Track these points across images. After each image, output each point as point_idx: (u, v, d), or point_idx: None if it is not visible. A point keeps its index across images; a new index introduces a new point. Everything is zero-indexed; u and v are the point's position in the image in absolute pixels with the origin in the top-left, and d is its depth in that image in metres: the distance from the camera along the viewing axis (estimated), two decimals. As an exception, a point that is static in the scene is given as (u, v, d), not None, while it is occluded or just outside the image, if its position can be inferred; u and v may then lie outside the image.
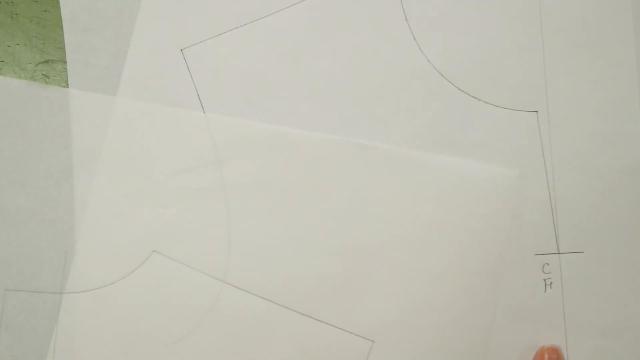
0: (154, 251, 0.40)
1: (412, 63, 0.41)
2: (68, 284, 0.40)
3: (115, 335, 0.40)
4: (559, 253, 0.41)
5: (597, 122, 0.41)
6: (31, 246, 0.40)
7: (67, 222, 0.40)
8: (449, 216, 0.40)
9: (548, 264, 0.41)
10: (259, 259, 0.40)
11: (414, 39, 0.41)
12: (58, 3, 0.41)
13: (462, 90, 0.41)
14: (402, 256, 0.40)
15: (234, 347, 0.40)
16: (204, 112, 0.41)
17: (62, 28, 0.41)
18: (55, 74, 0.41)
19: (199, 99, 0.41)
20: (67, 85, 0.41)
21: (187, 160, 0.41)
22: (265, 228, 0.40)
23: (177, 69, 0.41)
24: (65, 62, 0.41)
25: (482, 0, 0.41)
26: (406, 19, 0.41)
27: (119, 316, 0.40)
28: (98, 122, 0.40)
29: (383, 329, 0.40)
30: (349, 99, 0.41)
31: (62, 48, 0.41)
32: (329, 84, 0.41)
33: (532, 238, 0.41)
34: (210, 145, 0.41)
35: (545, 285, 0.41)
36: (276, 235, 0.40)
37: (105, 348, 0.40)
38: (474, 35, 0.41)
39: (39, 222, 0.40)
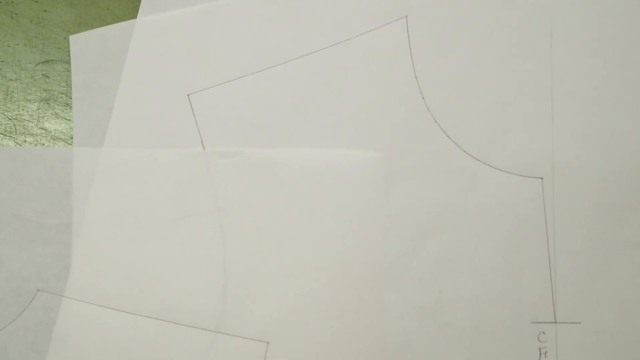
0: (38, 290, 0.40)
1: (418, 122, 0.41)
2: None
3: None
4: (556, 322, 0.40)
5: (603, 193, 0.41)
6: None
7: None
8: (324, 208, 0.40)
9: (544, 332, 0.40)
10: (142, 281, 0.40)
11: (423, 98, 0.41)
12: (58, 3, 0.42)
13: (468, 153, 0.41)
14: (284, 255, 0.40)
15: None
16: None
17: (62, 28, 0.42)
18: (55, 74, 0.41)
19: (202, 145, 0.40)
20: (71, 120, 0.41)
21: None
22: (149, 248, 0.40)
23: (182, 114, 0.41)
24: (65, 62, 0.41)
25: (493, 63, 0.41)
26: (416, 77, 0.41)
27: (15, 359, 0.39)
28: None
29: (276, 329, 0.40)
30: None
31: (62, 48, 0.41)
32: (335, 137, 0.41)
33: (529, 305, 0.40)
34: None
35: (540, 354, 0.40)
36: (157, 253, 0.40)
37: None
38: (483, 98, 0.41)
39: None
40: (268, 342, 0.40)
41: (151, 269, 0.40)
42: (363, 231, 0.40)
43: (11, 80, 0.42)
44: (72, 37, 0.41)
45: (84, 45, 0.41)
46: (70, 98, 0.41)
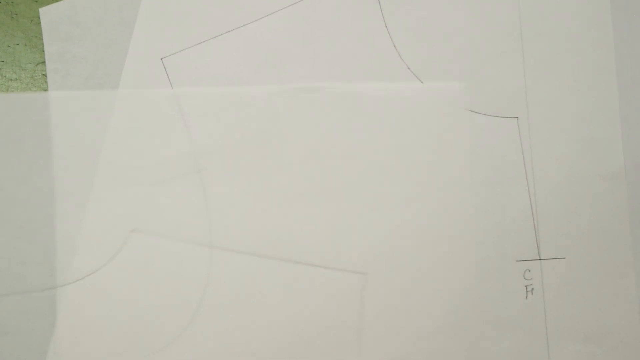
0: (133, 230, 0.40)
1: (392, 70, 0.41)
2: (57, 279, 0.40)
3: (116, 321, 0.39)
4: (540, 259, 0.41)
5: (577, 127, 0.41)
6: (11, 247, 0.40)
7: (44, 216, 0.40)
8: (410, 138, 0.40)
9: (529, 270, 0.41)
10: (239, 218, 0.40)
11: (394, 46, 0.41)
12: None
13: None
14: (376, 186, 0.40)
15: (234, 308, 0.40)
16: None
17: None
18: None
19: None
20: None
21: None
22: (239, 188, 0.40)
23: (157, 78, 0.41)
24: None
25: (461, 7, 0.41)
26: (386, 27, 0.41)
27: (116, 300, 0.39)
28: (76, 122, 0.40)
29: (373, 260, 0.40)
30: (329, 106, 0.41)
31: None
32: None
33: (513, 245, 0.41)
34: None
35: (527, 291, 0.41)
36: (252, 192, 0.40)
37: (105, 336, 0.39)
38: (454, 42, 0.41)
39: (15, 222, 0.40)
40: (366, 274, 0.40)
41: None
42: (450, 157, 0.40)
43: (11, 80, 0.42)
44: (41, 10, 0.41)
45: (55, 16, 0.41)
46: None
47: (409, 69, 0.41)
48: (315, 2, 0.41)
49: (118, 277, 0.40)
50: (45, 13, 0.41)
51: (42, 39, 0.41)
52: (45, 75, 0.41)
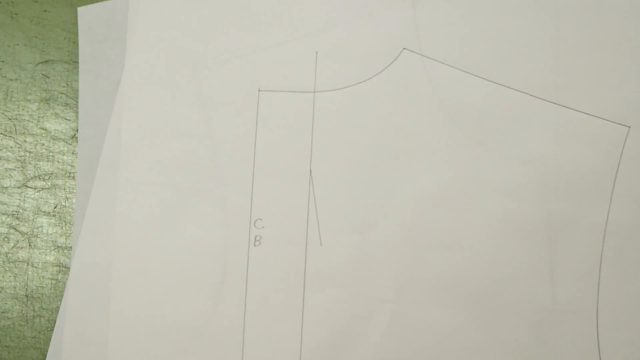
0: (404, 49, 0.40)
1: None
2: (320, 83, 0.40)
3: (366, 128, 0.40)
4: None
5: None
6: (282, 47, 0.40)
7: (315, 22, 0.41)
8: None
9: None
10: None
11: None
12: (58, 3, 0.42)
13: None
14: None
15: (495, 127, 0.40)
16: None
17: (62, 28, 0.42)
18: (55, 74, 0.41)
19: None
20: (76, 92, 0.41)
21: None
22: None
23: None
24: (65, 62, 0.41)
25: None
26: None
27: (373, 112, 0.40)
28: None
29: (638, 115, 0.40)
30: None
31: (62, 48, 0.42)
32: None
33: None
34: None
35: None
36: None
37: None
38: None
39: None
40: (629, 127, 0.39)
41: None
42: None
43: (11, 80, 0.42)
44: (80, 9, 0.41)
45: (91, 16, 0.41)
46: (71, 98, 0.41)
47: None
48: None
49: (380, 90, 0.40)
50: (83, 13, 0.41)
51: (42, 39, 0.42)
52: (46, 76, 0.42)
